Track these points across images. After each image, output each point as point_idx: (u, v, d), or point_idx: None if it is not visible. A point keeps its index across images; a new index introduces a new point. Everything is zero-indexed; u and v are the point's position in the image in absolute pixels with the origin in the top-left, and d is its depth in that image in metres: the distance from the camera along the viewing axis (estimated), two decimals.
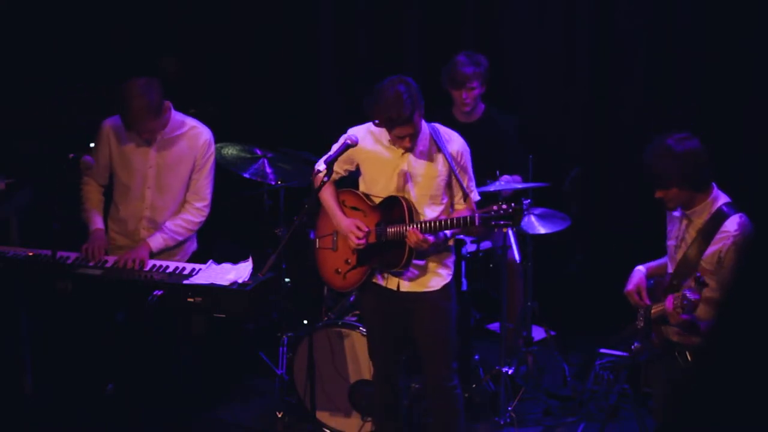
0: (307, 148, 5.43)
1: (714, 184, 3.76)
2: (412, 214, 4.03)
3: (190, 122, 4.74)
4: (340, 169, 4.22)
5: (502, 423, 5.00)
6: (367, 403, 4.73)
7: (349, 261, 4.22)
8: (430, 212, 4.08)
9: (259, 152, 5.15)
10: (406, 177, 4.07)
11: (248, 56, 6.64)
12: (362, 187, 4.22)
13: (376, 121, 4.00)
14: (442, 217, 4.07)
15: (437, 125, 4.14)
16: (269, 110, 6.61)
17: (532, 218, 5.20)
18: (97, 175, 4.74)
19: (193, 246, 4.86)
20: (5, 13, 6.02)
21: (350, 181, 4.35)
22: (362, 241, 4.10)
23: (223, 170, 5.13)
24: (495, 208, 3.86)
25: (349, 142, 4.12)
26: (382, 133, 4.09)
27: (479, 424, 4.98)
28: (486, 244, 5.23)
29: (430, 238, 3.96)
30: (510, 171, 5.17)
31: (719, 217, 3.66)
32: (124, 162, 4.70)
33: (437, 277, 4.16)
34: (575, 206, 5.43)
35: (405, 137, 3.98)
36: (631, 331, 4.01)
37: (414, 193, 4.07)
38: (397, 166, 4.08)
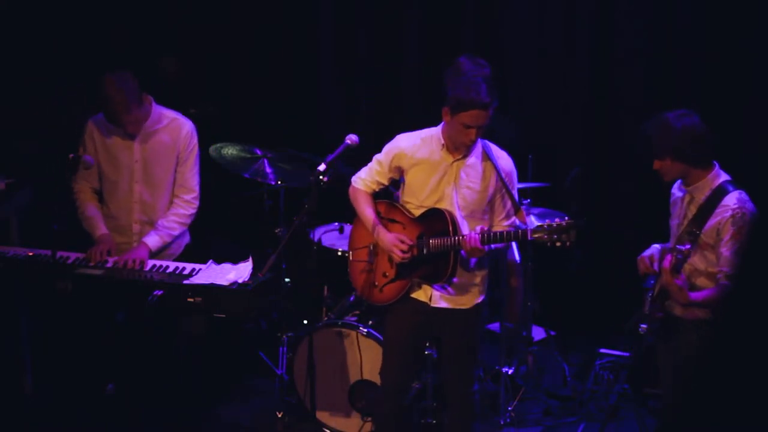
0: (307, 148, 5.43)
1: (716, 163, 3.83)
2: (456, 226, 3.95)
3: (171, 114, 4.77)
4: (383, 179, 4.15)
5: (502, 423, 5.00)
6: (367, 402, 4.74)
7: (387, 274, 4.14)
8: (465, 228, 4.00)
9: (259, 152, 5.15)
10: (453, 187, 4.00)
11: (248, 56, 6.64)
12: (404, 197, 4.14)
13: (450, 99, 3.88)
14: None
15: (488, 142, 4.09)
16: (269, 110, 6.61)
17: (532, 218, 5.20)
18: (88, 176, 4.75)
19: (186, 239, 4.87)
20: (5, 13, 6.02)
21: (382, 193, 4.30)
22: (407, 255, 4.01)
23: (223, 170, 5.13)
24: (548, 221, 3.82)
25: (349, 142, 4.10)
26: (434, 140, 4.04)
27: (479, 424, 4.98)
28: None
29: (480, 245, 3.87)
30: None
31: (720, 193, 3.76)
32: (110, 157, 4.72)
33: (471, 296, 4.12)
34: (575, 206, 5.43)
35: (473, 128, 3.87)
36: (638, 315, 4.03)
37: (457, 205, 4.01)
38: (446, 173, 4.01)
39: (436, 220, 3.99)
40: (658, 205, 5.84)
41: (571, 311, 6.02)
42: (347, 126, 5.66)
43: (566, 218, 3.81)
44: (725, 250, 3.67)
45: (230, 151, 5.14)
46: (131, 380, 4.70)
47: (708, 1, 5.69)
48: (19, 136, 5.86)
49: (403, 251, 3.99)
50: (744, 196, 3.74)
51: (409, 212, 4.10)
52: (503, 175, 3.99)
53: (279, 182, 5.09)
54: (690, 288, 3.80)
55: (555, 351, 5.59)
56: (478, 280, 4.13)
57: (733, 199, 3.72)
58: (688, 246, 3.69)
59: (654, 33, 5.87)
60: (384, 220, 4.14)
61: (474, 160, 4.03)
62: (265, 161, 5.13)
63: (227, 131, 5.65)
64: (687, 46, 5.78)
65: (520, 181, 5.15)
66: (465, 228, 3.98)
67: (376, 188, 4.20)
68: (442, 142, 4.02)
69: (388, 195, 4.28)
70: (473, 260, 4.06)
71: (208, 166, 5.01)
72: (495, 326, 5.46)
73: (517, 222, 4.01)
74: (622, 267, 6.01)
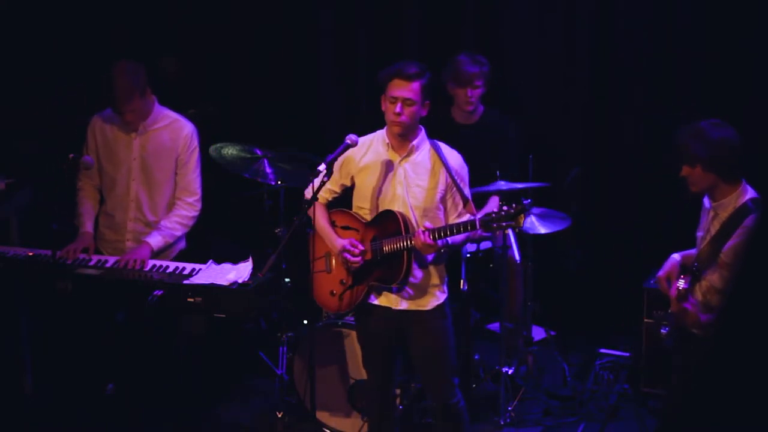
0: (307, 148, 5.43)
1: (744, 180, 3.79)
2: (408, 226, 3.96)
3: (173, 116, 4.79)
4: (335, 186, 4.17)
5: (502, 423, 5.00)
6: (367, 402, 4.73)
7: (345, 281, 4.13)
8: (417, 227, 3.96)
9: (259, 152, 5.15)
10: (402, 185, 4.01)
11: (248, 56, 6.64)
12: (356, 201, 4.15)
13: (378, 78, 3.98)
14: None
15: (438, 142, 4.11)
16: (269, 110, 6.61)
17: (532, 218, 5.21)
18: (91, 173, 4.76)
19: (181, 244, 4.87)
20: (5, 13, 6.02)
21: (339, 202, 4.28)
22: (358, 259, 4.01)
23: (223, 170, 5.13)
24: (496, 209, 3.83)
25: (349, 142, 4.09)
26: (380, 141, 4.07)
27: (479, 424, 4.98)
28: (486, 244, 5.23)
29: (431, 240, 3.87)
30: (507, 176, 5.15)
31: (743, 213, 3.71)
32: (109, 153, 4.75)
33: (432, 298, 4.10)
34: (575, 206, 5.43)
35: (398, 100, 3.92)
36: (664, 316, 4.03)
37: (409, 203, 4.01)
38: (394, 173, 4.02)
39: (388, 222, 3.99)
40: (658, 205, 5.87)
41: (571, 311, 6.02)
42: (347, 126, 5.65)
43: (514, 204, 3.81)
44: None
45: (230, 151, 5.13)
46: (131, 380, 4.70)
47: (708, 1, 5.69)
48: (19, 136, 5.86)
49: (353, 255, 4.00)
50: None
51: (362, 217, 4.11)
52: (453, 172, 3.99)
53: (279, 182, 5.09)
54: (705, 304, 3.77)
55: (555, 351, 5.58)
56: (436, 280, 4.11)
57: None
58: (686, 285, 3.67)
59: (654, 33, 5.87)
60: (339, 229, 4.15)
61: (422, 158, 4.05)
62: (265, 161, 5.13)
63: (227, 131, 5.64)
64: (687, 46, 5.78)
65: (520, 181, 5.18)
66: (418, 228, 3.97)
67: (329, 197, 4.20)
68: (387, 141, 4.05)
69: (342, 203, 4.27)
70: (429, 258, 4.06)
71: (208, 166, 5.02)
72: (495, 326, 5.45)
73: (469, 216, 3.98)
74: (622, 267, 6.04)
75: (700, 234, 3.93)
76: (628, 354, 5.47)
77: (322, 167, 3.97)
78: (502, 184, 5.02)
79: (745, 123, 5.56)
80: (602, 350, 5.55)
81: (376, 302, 4.12)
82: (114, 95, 4.53)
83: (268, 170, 5.10)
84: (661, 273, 3.99)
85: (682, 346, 3.90)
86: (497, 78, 5.49)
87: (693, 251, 4.04)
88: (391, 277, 4.01)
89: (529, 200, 5.07)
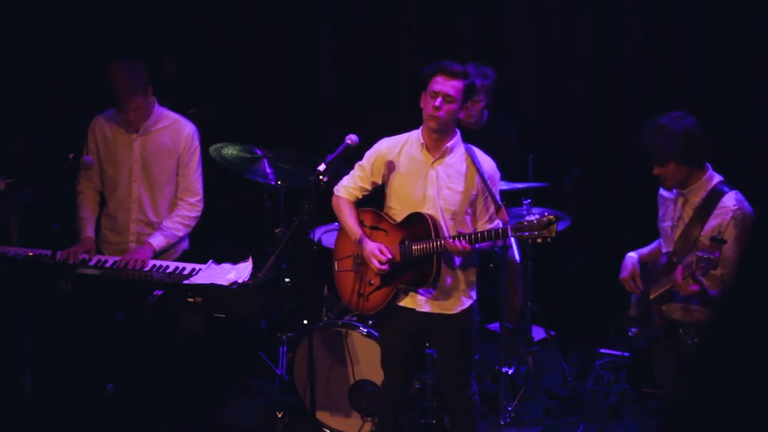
0: (307, 148, 5.43)
1: (708, 164, 3.83)
2: (438, 229, 3.94)
3: (173, 116, 4.78)
4: (366, 184, 4.14)
5: (502, 423, 5.00)
6: (367, 402, 4.74)
7: (372, 282, 4.11)
8: (447, 231, 3.97)
9: (259, 152, 5.15)
10: (434, 187, 3.98)
11: (248, 56, 6.64)
12: (386, 201, 4.13)
13: (423, 77, 3.96)
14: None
15: (472, 146, 4.09)
16: (269, 110, 6.61)
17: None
18: (91, 176, 4.75)
19: (184, 245, 4.87)
20: (5, 12, 6.01)
21: (366, 201, 4.27)
22: (385, 267, 3.98)
23: (223, 170, 5.13)
24: (528, 218, 3.82)
25: (349, 142, 4.09)
26: (414, 141, 4.04)
27: (479, 424, 4.97)
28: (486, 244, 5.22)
29: (468, 246, 3.86)
30: (510, 176, 5.15)
31: (716, 194, 3.75)
32: (110, 155, 4.74)
33: (457, 302, 4.10)
34: (575, 206, 5.43)
35: (439, 95, 3.88)
36: (625, 319, 4.03)
37: (439, 205, 3.99)
38: (427, 174, 4.00)
39: (417, 225, 3.97)
40: (657, 204, 5.86)
41: (571, 311, 6.02)
42: (347, 126, 5.66)
43: (546, 213, 3.81)
44: (730, 253, 3.63)
45: (230, 151, 5.13)
46: (131, 380, 4.70)
47: (708, 1, 5.69)
48: (19, 136, 5.86)
49: (380, 262, 3.98)
50: (740, 196, 3.74)
51: (392, 218, 4.09)
52: (486, 177, 3.98)
53: (279, 182, 5.09)
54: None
55: (555, 351, 5.58)
56: (462, 285, 4.11)
57: (731, 200, 3.71)
58: (717, 254, 3.54)
59: (654, 33, 5.87)
60: (367, 229, 4.12)
61: (455, 161, 4.02)
62: (265, 161, 5.13)
63: (227, 131, 5.64)
64: (687, 45, 5.77)
65: (520, 181, 5.18)
66: (447, 231, 3.96)
67: (360, 195, 4.17)
68: (422, 141, 4.02)
69: (371, 202, 4.26)
70: (457, 262, 4.05)
71: (209, 166, 5.02)
72: (495, 326, 5.45)
73: (500, 223, 3.98)
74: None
75: (667, 224, 3.94)
76: (628, 354, 5.46)
77: (322, 167, 3.97)
78: (503, 184, 5.01)
79: (745, 123, 5.60)
80: (602, 350, 5.54)
81: (400, 303, 4.11)
82: (116, 93, 4.53)
83: (268, 170, 5.10)
84: (625, 274, 4.00)
85: (666, 344, 3.89)
86: (498, 77, 5.47)
87: (650, 247, 4.06)
88: (421, 280, 4.00)
89: (529, 200, 5.11)
